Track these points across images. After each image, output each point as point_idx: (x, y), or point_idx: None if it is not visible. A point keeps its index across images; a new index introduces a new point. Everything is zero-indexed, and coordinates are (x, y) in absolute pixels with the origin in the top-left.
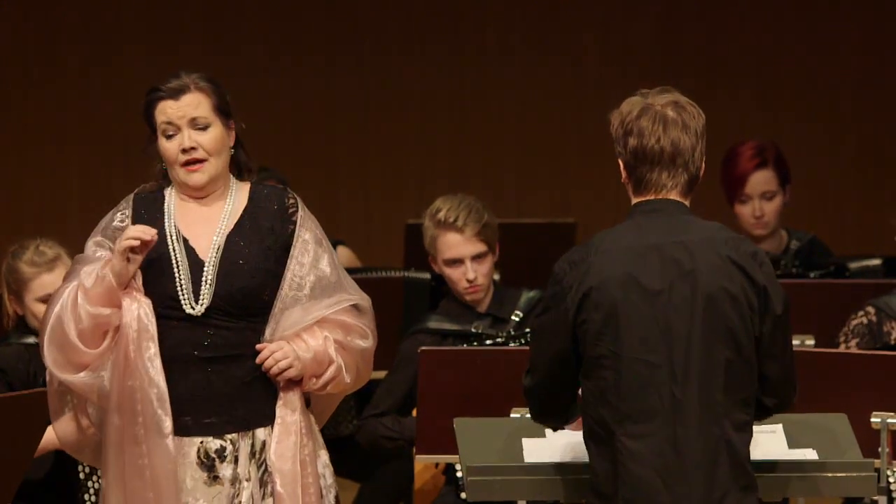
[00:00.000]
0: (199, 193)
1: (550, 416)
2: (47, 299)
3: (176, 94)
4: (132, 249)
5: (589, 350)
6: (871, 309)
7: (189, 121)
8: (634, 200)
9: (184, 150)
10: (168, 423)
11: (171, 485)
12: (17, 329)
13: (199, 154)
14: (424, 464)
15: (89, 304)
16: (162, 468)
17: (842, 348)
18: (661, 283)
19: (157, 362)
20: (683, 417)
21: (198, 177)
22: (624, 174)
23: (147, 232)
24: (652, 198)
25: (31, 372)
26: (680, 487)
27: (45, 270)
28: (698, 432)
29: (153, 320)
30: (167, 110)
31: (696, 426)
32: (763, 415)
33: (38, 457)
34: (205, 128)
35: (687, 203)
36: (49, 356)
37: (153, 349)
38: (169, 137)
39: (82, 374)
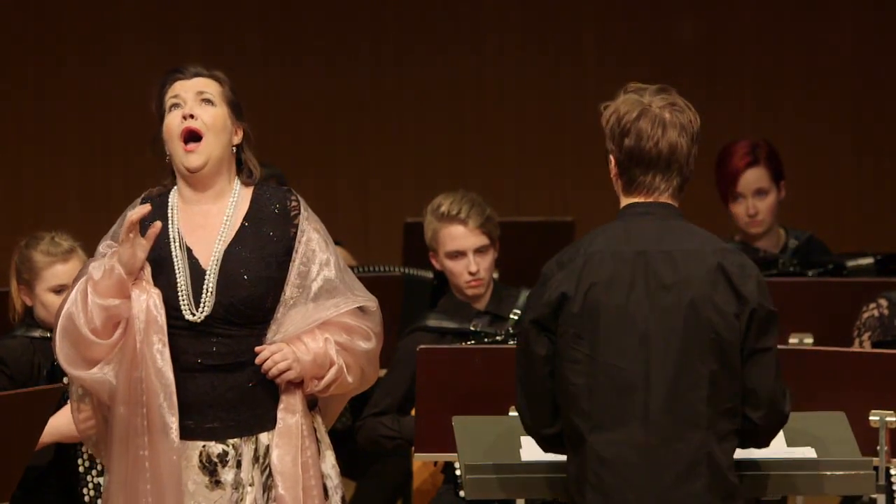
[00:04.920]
0: (197, 180)
1: (540, 427)
2: (59, 290)
3: (191, 75)
4: (133, 231)
5: (564, 352)
6: (883, 301)
7: (196, 93)
8: (624, 200)
9: (184, 118)
10: (173, 418)
11: (173, 479)
12: (24, 323)
13: (197, 124)
14: (423, 462)
15: (99, 297)
16: (165, 462)
17: (856, 343)
18: (644, 292)
19: (166, 353)
20: (658, 428)
21: (194, 158)
22: (614, 170)
23: (140, 210)
24: (643, 200)
25: (36, 364)
26: (650, 498)
27: (60, 261)
28: (673, 443)
29: (162, 311)
30: (177, 87)
31: (671, 437)
32: (750, 435)
33: (37, 450)
34: (209, 103)
35: (677, 204)
36: (62, 353)
37: (162, 340)
38: (173, 108)
39: (93, 371)
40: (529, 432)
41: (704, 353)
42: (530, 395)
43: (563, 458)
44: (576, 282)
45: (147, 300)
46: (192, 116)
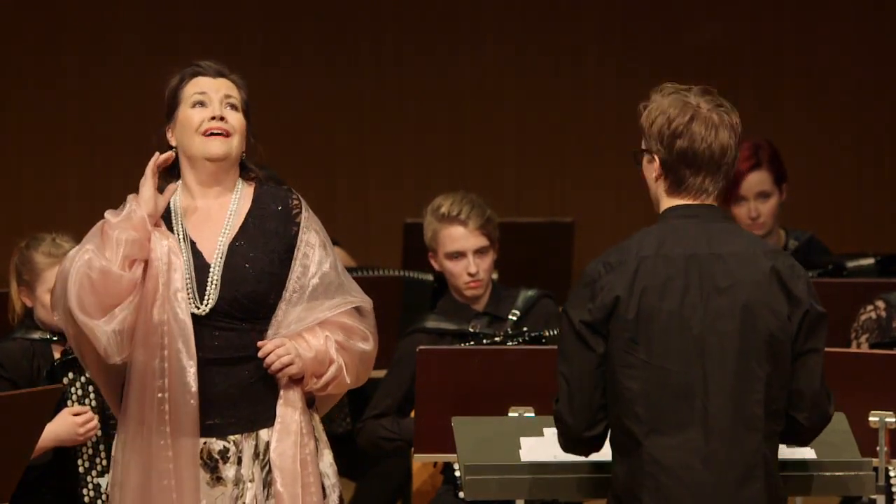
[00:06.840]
0: (210, 172)
1: (581, 430)
2: None
3: (216, 74)
4: (155, 174)
5: (617, 357)
6: (880, 303)
7: (223, 96)
8: (667, 202)
9: (212, 118)
10: (191, 361)
11: (191, 421)
12: (23, 325)
13: (226, 125)
14: (422, 463)
15: (118, 231)
16: (182, 404)
17: (854, 344)
18: (699, 295)
19: (181, 296)
20: (718, 432)
21: (217, 145)
22: (658, 171)
23: (165, 155)
24: (689, 202)
25: (35, 367)
26: (710, 502)
27: (61, 262)
28: (731, 446)
29: (179, 254)
30: (202, 83)
31: (729, 440)
32: (795, 435)
33: (36, 455)
34: (234, 108)
35: (717, 205)
36: (74, 298)
37: (178, 283)
38: (197, 105)
39: (102, 321)
40: (567, 433)
41: (760, 355)
42: (577, 396)
43: (563, 459)
44: (629, 285)
45: (168, 244)
46: (222, 118)
